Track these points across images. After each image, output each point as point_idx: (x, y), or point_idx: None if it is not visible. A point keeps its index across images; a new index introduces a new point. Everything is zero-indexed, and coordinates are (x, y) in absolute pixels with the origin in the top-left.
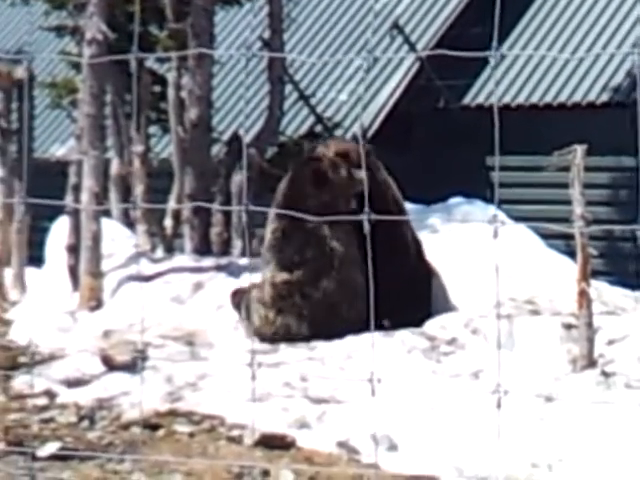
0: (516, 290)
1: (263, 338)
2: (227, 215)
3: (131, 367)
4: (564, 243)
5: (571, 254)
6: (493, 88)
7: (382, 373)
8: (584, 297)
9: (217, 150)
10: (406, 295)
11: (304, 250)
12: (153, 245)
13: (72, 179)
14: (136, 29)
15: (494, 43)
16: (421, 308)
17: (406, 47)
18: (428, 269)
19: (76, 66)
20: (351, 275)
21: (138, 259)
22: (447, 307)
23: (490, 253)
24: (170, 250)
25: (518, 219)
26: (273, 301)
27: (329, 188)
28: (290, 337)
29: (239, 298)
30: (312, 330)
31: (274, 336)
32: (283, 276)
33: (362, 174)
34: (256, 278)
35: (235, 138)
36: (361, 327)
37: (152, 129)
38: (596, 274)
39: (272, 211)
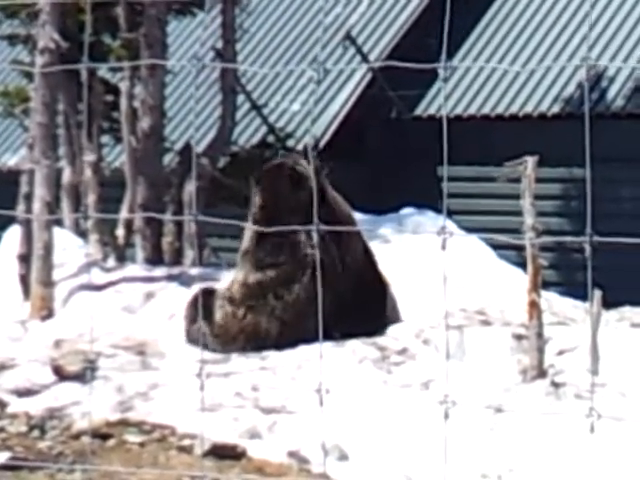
0: (467, 300)
1: (222, 338)
2: (179, 225)
3: (82, 377)
4: (515, 254)
5: (522, 265)
6: (442, 100)
7: (333, 383)
8: (534, 308)
9: (169, 160)
10: (360, 307)
11: (278, 254)
12: (105, 254)
13: (24, 188)
14: (86, 39)
15: (443, 56)
16: (375, 319)
17: (358, 58)
18: (381, 280)
19: (28, 75)
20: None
21: (89, 268)
22: (398, 318)
23: (441, 264)
24: (122, 259)
25: (469, 230)
26: (243, 299)
27: (306, 190)
28: (256, 335)
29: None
30: (281, 330)
31: (238, 334)
32: (257, 276)
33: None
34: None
35: (187, 147)
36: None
37: (104, 138)
38: (547, 285)
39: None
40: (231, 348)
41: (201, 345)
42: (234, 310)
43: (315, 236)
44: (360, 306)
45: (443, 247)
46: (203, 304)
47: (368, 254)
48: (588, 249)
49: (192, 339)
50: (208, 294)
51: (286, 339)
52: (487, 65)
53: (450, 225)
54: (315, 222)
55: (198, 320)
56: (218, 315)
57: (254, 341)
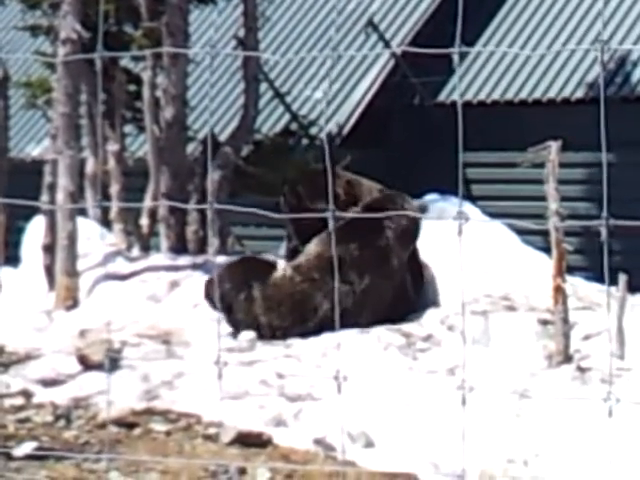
0: (492, 286)
1: (269, 301)
2: (203, 213)
3: (108, 366)
4: (540, 239)
5: (547, 250)
6: (463, 86)
7: (358, 370)
8: (560, 293)
9: (192, 149)
10: (409, 295)
11: (364, 239)
12: (129, 244)
13: (47, 178)
14: (100, 28)
15: (457, 41)
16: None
17: (381, 44)
18: (422, 269)
19: (51, 65)
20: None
21: (114, 258)
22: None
23: (465, 250)
24: (146, 249)
25: (494, 215)
26: (310, 268)
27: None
28: (302, 306)
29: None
30: (329, 314)
31: (286, 299)
32: (338, 250)
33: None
34: None
35: (210, 136)
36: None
37: (127, 128)
38: (573, 270)
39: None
40: (271, 316)
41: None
42: (294, 275)
43: (331, 223)
44: (409, 294)
45: (459, 232)
46: (255, 272)
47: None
48: (604, 232)
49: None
50: (256, 261)
51: (327, 323)
52: (499, 50)
53: (474, 211)
54: (330, 208)
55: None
56: (276, 275)
57: (297, 312)
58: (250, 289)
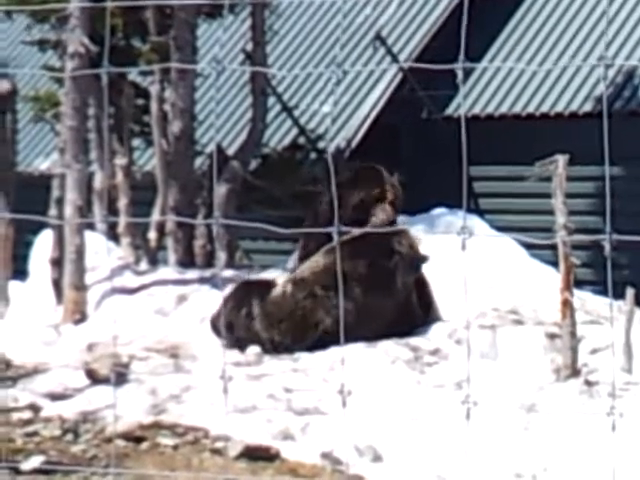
0: (499, 300)
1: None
2: (210, 227)
3: (115, 380)
4: (548, 253)
5: (555, 264)
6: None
7: (365, 384)
8: (567, 306)
9: (200, 162)
10: (412, 312)
11: (373, 254)
12: (137, 258)
13: (55, 192)
14: (107, 43)
15: (461, 56)
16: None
17: (389, 58)
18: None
19: (59, 79)
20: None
21: (122, 272)
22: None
23: (474, 264)
24: (154, 262)
25: (502, 229)
26: (314, 282)
27: None
28: (304, 323)
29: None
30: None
31: (287, 316)
32: (345, 265)
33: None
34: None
35: (218, 151)
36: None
37: (135, 142)
38: (581, 283)
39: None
40: (272, 333)
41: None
42: (295, 291)
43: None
44: (412, 311)
45: (463, 247)
46: (255, 290)
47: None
48: (607, 247)
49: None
50: (258, 283)
51: (329, 339)
52: (504, 65)
53: (482, 225)
54: (335, 224)
55: (246, 305)
56: (276, 292)
57: (299, 329)
58: (250, 306)
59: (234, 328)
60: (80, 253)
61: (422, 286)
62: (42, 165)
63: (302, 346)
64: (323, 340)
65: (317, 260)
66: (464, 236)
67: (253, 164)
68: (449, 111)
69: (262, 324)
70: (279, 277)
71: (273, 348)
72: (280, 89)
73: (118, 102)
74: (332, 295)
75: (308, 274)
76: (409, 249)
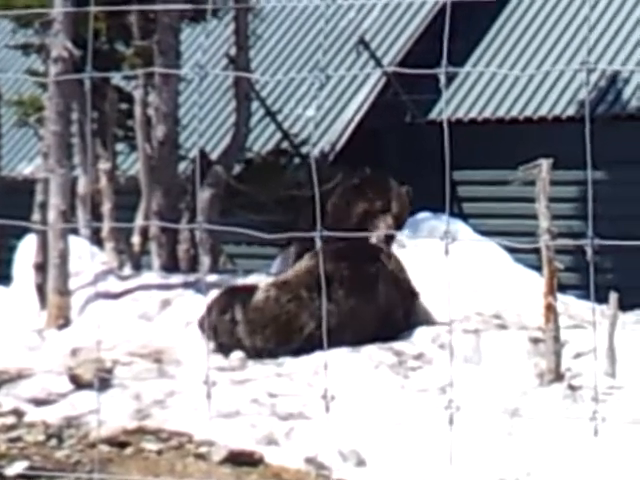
0: (483, 304)
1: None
2: (194, 232)
3: (99, 385)
4: (532, 257)
5: (539, 268)
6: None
7: (349, 389)
8: (551, 311)
9: (184, 167)
10: (396, 316)
11: (357, 256)
12: (121, 262)
13: (39, 197)
14: (90, 48)
15: (443, 61)
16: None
17: (372, 62)
18: (412, 289)
19: (43, 84)
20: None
21: (105, 276)
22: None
23: (458, 268)
24: (138, 267)
25: (485, 233)
26: (298, 285)
27: None
28: (287, 327)
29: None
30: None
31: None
32: (329, 267)
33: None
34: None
35: (202, 155)
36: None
37: (119, 146)
38: (564, 288)
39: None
40: (256, 338)
41: (207, 352)
42: (279, 295)
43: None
44: (397, 315)
45: (446, 252)
46: (237, 296)
47: (400, 264)
48: (589, 252)
49: (215, 329)
50: (242, 289)
51: (313, 342)
52: (487, 69)
53: (465, 229)
54: (318, 229)
55: (229, 311)
56: (258, 297)
57: (282, 333)
58: (233, 312)
59: (218, 333)
60: (64, 258)
61: (407, 292)
62: (26, 170)
63: (286, 350)
64: (308, 344)
65: (300, 264)
66: (447, 241)
67: (237, 169)
68: (433, 115)
69: (245, 329)
70: (261, 282)
71: (256, 354)
72: (264, 93)
73: (102, 106)
74: (316, 297)
75: (291, 277)
76: (388, 259)
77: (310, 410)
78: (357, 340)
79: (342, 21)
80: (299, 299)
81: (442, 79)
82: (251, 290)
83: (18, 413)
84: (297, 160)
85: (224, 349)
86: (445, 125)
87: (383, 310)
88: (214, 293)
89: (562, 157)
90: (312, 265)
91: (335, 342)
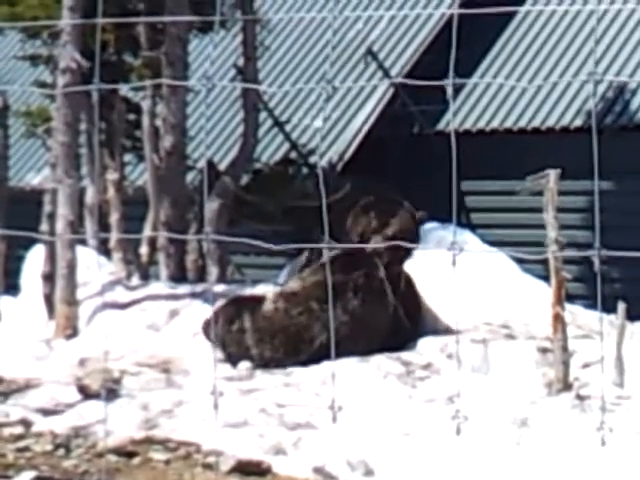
0: (491, 314)
1: (262, 333)
2: (202, 242)
3: (107, 395)
4: (540, 267)
5: (547, 278)
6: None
7: (357, 399)
8: (559, 321)
9: (192, 177)
10: (404, 325)
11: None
12: (129, 273)
13: (47, 207)
14: (97, 59)
15: (450, 73)
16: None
17: (380, 73)
18: (418, 297)
19: (51, 95)
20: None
21: (113, 287)
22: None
23: (466, 278)
24: (146, 277)
25: (493, 243)
26: (307, 297)
27: None
28: (297, 338)
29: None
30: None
31: (280, 332)
32: (338, 277)
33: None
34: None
35: (210, 166)
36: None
37: (127, 157)
38: (572, 298)
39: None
40: (264, 348)
41: (214, 362)
42: (288, 307)
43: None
44: (405, 324)
45: (453, 263)
46: (246, 305)
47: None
48: (597, 262)
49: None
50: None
51: (323, 353)
52: (495, 81)
53: (474, 239)
54: (325, 240)
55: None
56: (267, 307)
57: (292, 344)
58: (242, 322)
59: (226, 343)
60: (72, 268)
61: (412, 296)
62: (34, 180)
63: (295, 361)
64: (317, 355)
65: (307, 275)
66: (454, 252)
67: (245, 179)
68: (440, 126)
69: (253, 339)
70: (269, 292)
71: (264, 364)
72: (272, 104)
73: (110, 117)
74: (326, 308)
75: (301, 287)
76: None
77: (318, 420)
78: (368, 350)
79: (350, 32)
80: (309, 311)
81: (449, 90)
82: (258, 300)
83: (26, 423)
84: (305, 170)
85: (232, 359)
86: (452, 136)
87: (393, 320)
88: (221, 303)
89: (570, 168)
90: (317, 277)
91: (346, 352)
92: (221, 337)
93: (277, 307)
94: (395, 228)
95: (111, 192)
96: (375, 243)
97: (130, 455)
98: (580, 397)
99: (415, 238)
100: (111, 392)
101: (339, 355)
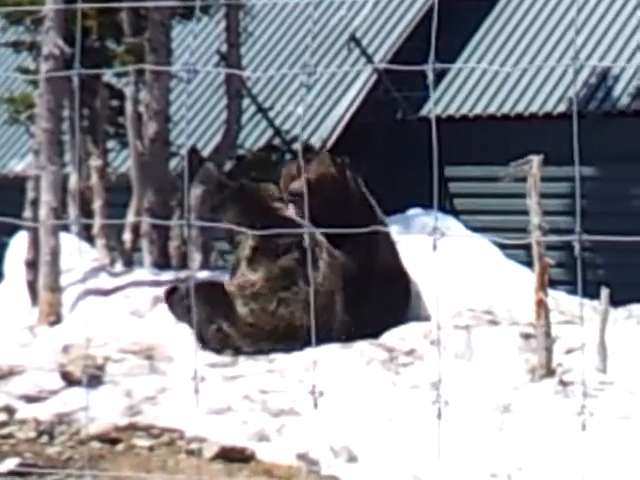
0: (474, 300)
1: (253, 337)
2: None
3: (90, 382)
4: (523, 253)
5: (530, 264)
6: (432, 107)
7: (340, 385)
8: (542, 307)
9: (175, 164)
10: (388, 304)
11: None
12: (112, 259)
13: (30, 194)
14: (78, 45)
15: (431, 58)
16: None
17: (363, 59)
18: (406, 277)
19: (33, 81)
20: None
21: (97, 273)
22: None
23: (449, 264)
24: (129, 264)
25: (476, 229)
26: (271, 291)
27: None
28: (292, 328)
29: (177, 297)
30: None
31: (272, 332)
32: (281, 263)
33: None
34: None
35: (193, 152)
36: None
37: (110, 143)
38: (555, 283)
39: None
40: (264, 344)
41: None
42: (263, 306)
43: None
44: (388, 303)
45: (434, 248)
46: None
47: (396, 253)
48: (577, 247)
49: (212, 341)
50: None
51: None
52: (477, 66)
53: (457, 225)
54: (306, 225)
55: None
56: (243, 312)
57: (290, 334)
58: (220, 320)
59: (206, 342)
60: (55, 255)
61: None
62: (17, 167)
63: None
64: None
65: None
66: (436, 237)
67: (228, 165)
68: (424, 112)
69: (247, 344)
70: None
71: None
72: (255, 90)
73: (93, 104)
74: (300, 285)
75: (261, 284)
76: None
77: (301, 406)
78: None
79: (333, 18)
80: (284, 301)
81: (430, 75)
82: (219, 286)
83: (9, 410)
84: (288, 157)
85: (215, 351)
86: (433, 122)
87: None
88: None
89: (553, 153)
90: (265, 272)
91: (333, 338)
92: (200, 337)
93: (252, 309)
94: (314, 171)
95: (94, 179)
96: (294, 188)
97: (114, 442)
98: (563, 383)
99: (337, 183)
100: (94, 379)
101: (329, 341)
